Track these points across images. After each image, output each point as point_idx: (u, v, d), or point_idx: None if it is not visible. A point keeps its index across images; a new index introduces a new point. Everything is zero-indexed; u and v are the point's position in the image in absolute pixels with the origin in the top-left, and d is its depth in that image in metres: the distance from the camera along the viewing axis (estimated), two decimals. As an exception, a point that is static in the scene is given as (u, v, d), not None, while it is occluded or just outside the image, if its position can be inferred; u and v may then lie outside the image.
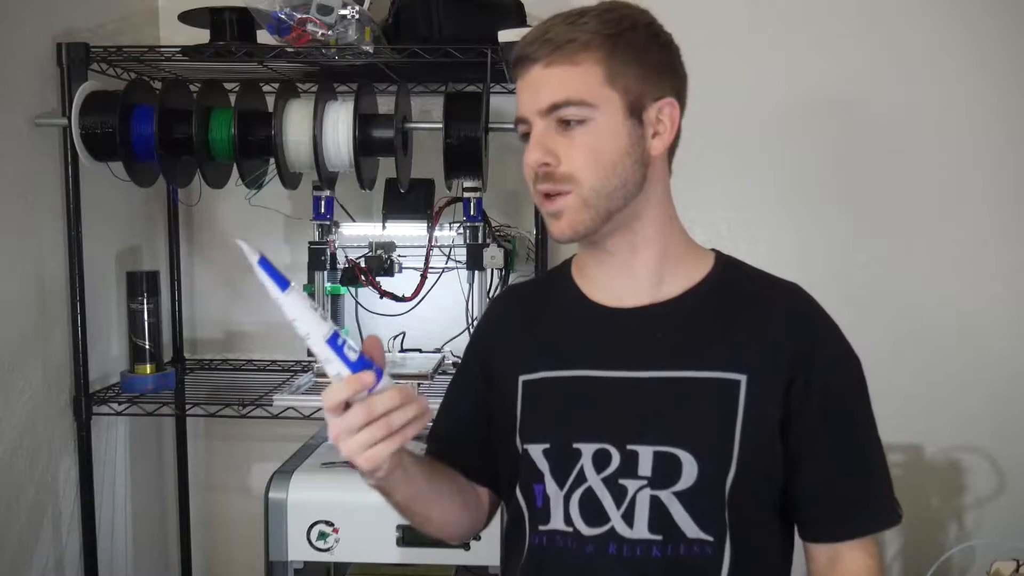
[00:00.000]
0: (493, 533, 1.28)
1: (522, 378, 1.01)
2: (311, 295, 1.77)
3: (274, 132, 1.56)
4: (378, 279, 1.76)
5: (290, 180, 1.64)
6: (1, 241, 1.51)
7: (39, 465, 1.61)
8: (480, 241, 1.73)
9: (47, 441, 1.62)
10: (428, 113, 1.90)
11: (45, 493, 1.63)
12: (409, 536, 1.51)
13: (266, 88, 1.75)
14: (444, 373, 1.70)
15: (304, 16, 1.52)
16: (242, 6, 1.59)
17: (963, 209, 1.87)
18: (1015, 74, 1.83)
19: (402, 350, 1.83)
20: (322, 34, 1.53)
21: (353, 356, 0.84)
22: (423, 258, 1.78)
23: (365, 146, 1.61)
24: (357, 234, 1.83)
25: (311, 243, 1.76)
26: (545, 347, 1.02)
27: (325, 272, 1.76)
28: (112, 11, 1.80)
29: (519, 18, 1.68)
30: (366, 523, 1.52)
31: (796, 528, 1.01)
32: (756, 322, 0.98)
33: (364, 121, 1.60)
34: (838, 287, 1.90)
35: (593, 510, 0.95)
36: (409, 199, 1.76)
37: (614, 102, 0.93)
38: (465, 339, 1.60)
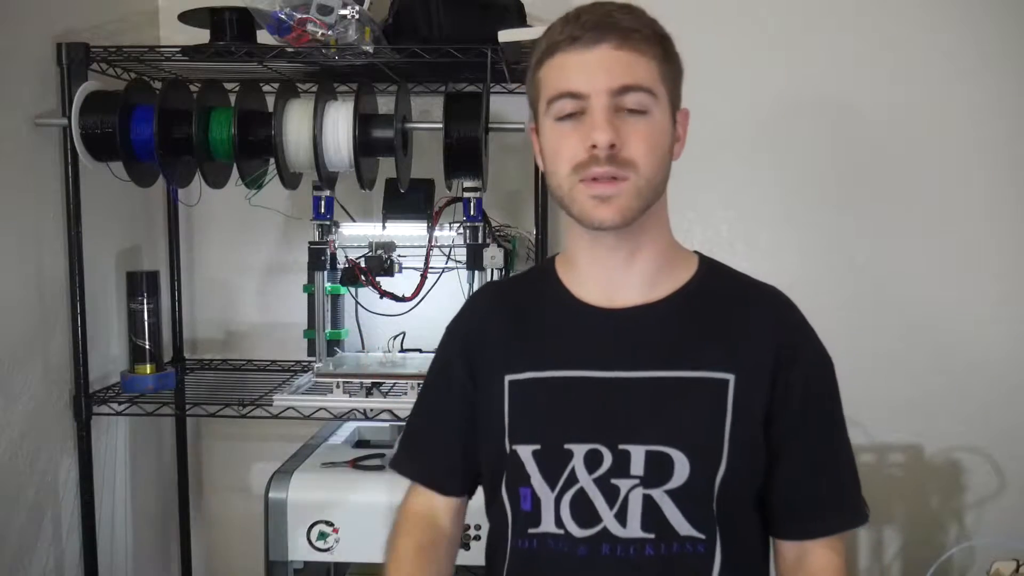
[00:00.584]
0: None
1: (509, 378, 1.00)
2: (311, 295, 1.78)
3: (274, 132, 1.56)
4: (378, 279, 1.75)
5: (290, 180, 1.64)
6: (1, 241, 1.51)
7: (39, 465, 1.61)
8: (480, 241, 1.73)
9: (47, 441, 1.62)
10: (428, 113, 1.91)
11: (45, 493, 1.63)
12: (409, 536, 1.51)
13: (266, 88, 1.75)
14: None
15: (304, 16, 1.52)
16: (242, 6, 1.59)
17: (964, 209, 1.87)
18: (1016, 74, 1.83)
19: (402, 350, 1.83)
20: (322, 34, 1.53)
21: None
22: (423, 258, 1.78)
23: (365, 146, 1.61)
24: (357, 234, 1.83)
25: (311, 243, 1.76)
26: (533, 347, 1.01)
27: (325, 272, 1.76)
28: (112, 11, 1.80)
29: (519, 18, 1.68)
30: (366, 523, 1.52)
31: (768, 524, 1.02)
32: (742, 323, 0.99)
33: (364, 121, 1.60)
34: (838, 287, 1.91)
35: (585, 511, 0.95)
36: (409, 199, 1.76)
37: (664, 99, 0.95)
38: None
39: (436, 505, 1.09)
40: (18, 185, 1.55)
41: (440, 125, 1.61)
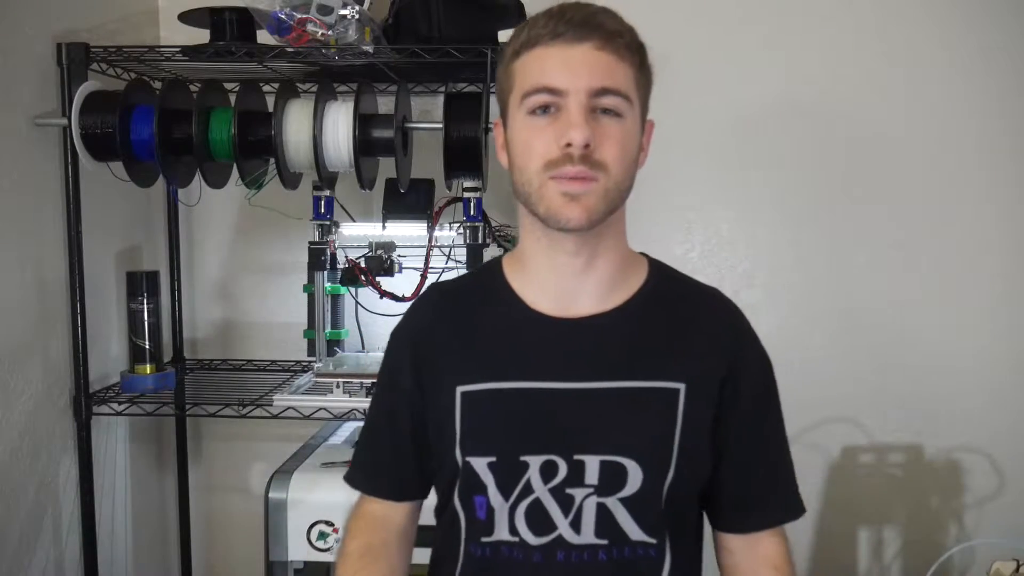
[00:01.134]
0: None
1: (460, 389, 0.98)
2: (311, 295, 1.78)
3: (274, 132, 1.56)
4: (378, 279, 1.75)
5: (290, 180, 1.64)
6: (1, 241, 1.51)
7: (39, 465, 1.61)
8: (480, 241, 1.73)
9: (47, 441, 1.62)
10: (428, 113, 1.91)
11: (45, 493, 1.63)
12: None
13: (266, 88, 1.75)
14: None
15: (304, 16, 1.52)
16: (242, 6, 1.59)
17: (964, 209, 1.86)
18: (1017, 74, 1.82)
19: (402, 350, 1.83)
20: (322, 34, 1.53)
21: None
22: (423, 258, 1.78)
23: (365, 146, 1.61)
24: (357, 234, 1.83)
25: (311, 243, 1.76)
26: (485, 357, 1.00)
27: (325, 272, 1.76)
28: (112, 11, 1.80)
29: (519, 18, 1.68)
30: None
31: (710, 519, 1.05)
32: (691, 331, 1.01)
33: (364, 121, 1.60)
34: (838, 287, 1.91)
35: (540, 519, 0.96)
36: (409, 199, 1.75)
37: (637, 107, 0.95)
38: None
39: (389, 506, 1.09)
40: (18, 185, 1.55)
41: (440, 125, 1.61)
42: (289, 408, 1.66)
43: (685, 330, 1.00)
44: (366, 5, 1.55)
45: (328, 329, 1.79)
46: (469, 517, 0.99)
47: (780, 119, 1.88)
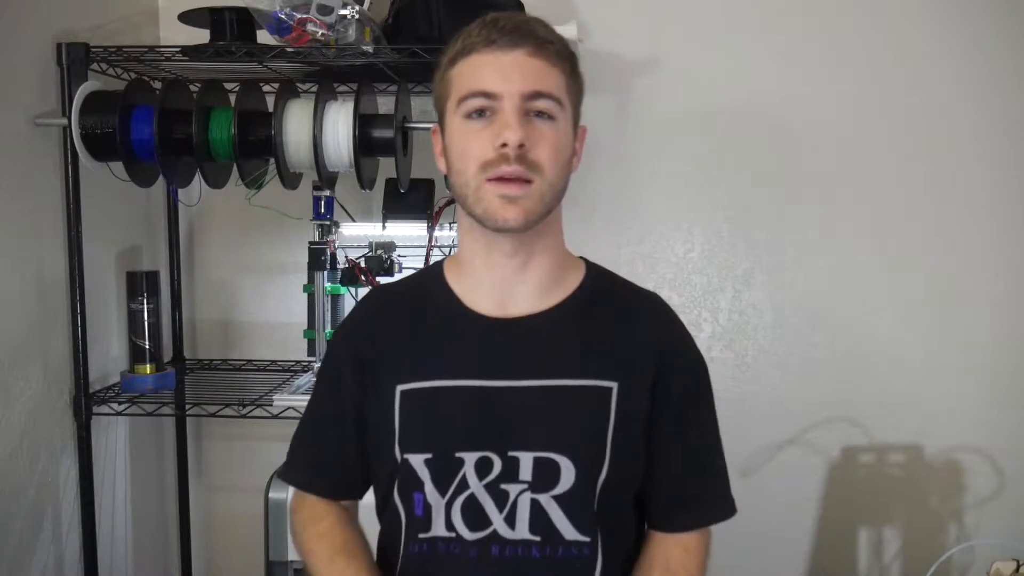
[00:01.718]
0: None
1: (400, 387, 1.01)
2: (311, 295, 1.78)
3: (274, 132, 1.56)
4: (378, 279, 1.75)
5: (290, 180, 1.64)
6: (1, 241, 1.51)
7: (39, 465, 1.61)
8: (480, 241, 1.72)
9: (47, 441, 1.62)
10: (428, 113, 1.90)
11: (45, 493, 1.63)
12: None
13: (266, 88, 1.75)
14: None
15: (304, 16, 1.52)
16: (242, 6, 1.58)
17: (964, 209, 1.86)
18: (1018, 74, 1.82)
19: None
20: (322, 34, 1.53)
21: None
22: (423, 258, 1.78)
23: (365, 146, 1.61)
24: (357, 234, 1.83)
25: (311, 243, 1.76)
26: (424, 356, 1.02)
27: (325, 272, 1.76)
28: (112, 11, 1.80)
29: (519, 18, 1.68)
30: (365, 523, 1.52)
31: (646, 518, 1.07)
32: (625, 331, 1.03)
33: (364, 121, 1.60)
34: (838, 287, 1.91)
35: (475, 515, 0.98)
36: (409, 199, 1.76)
37: (569, 111, 0.99)
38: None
39: (328, 502, 1.11)
40: (18, 185, 1.55)
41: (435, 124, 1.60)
42: (289, 408, 1.66)
43: (619, 330, 1.03)
44: (366, 5, 1.55)
45: (328, 329, 1.79)
46: (408, 514, 1.01)
47: (781, 119, 1.88)
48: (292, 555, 1.56)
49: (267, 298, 2.04)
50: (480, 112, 0.95)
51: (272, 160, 1.60)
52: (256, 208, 1.72)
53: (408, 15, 1.64)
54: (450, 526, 0.98)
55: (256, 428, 1.86)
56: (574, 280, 1.06)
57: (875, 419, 1.90)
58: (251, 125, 1.59)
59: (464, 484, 0.98)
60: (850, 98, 1.86)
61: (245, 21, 1.61)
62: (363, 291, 1.86)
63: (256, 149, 1.59)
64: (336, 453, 1.09)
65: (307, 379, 1.78)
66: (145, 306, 1.76)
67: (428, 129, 1.70)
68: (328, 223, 1.75)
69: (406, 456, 0.99)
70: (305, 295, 1.79)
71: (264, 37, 1.62)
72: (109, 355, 1.81)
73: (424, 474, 0.99)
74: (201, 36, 1.66)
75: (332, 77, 1.75)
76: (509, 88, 0.94)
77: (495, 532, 0.97)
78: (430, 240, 1.78)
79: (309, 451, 1.13)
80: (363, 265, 1.75)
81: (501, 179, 0.94)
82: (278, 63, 1.66)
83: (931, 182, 1.87)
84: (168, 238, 1.98)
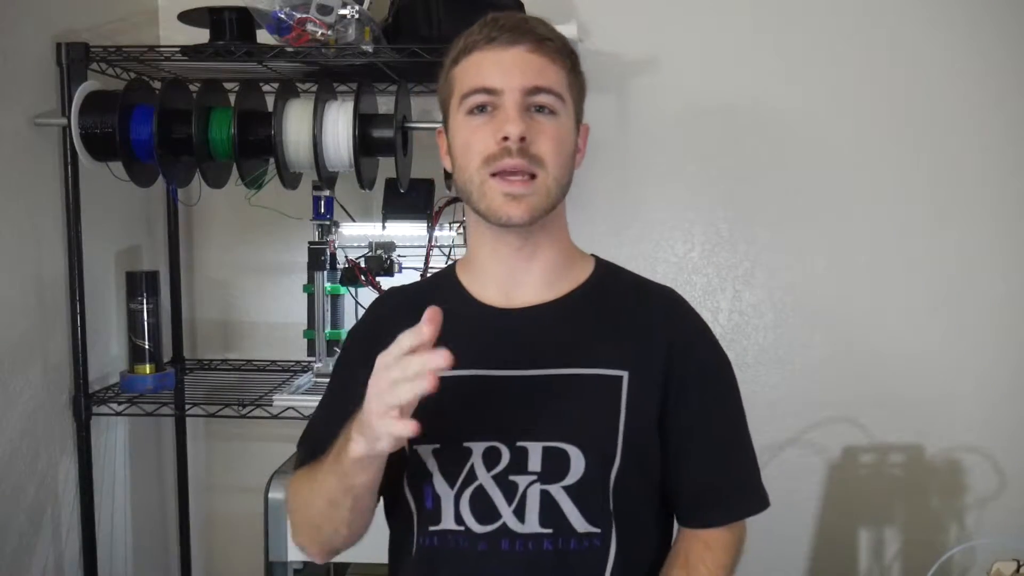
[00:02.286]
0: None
1: None
2: (311, 295, 1.77)
3: (274, 132, 1.56)
4: (378, 279, 1.75)
5: (290, 180, 1.64)
6: (1, 241, 1.50)
7: (39, 465, 1.61)
8: (480, 241, 1.72)
9: (47, 441, 1.62)
10: (428, 113, 1.90)
11: (45, 493, 1.63)
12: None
13: (266, 88, 1.75)
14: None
15: (304, 16, 1.52)
16: (242, 6, 1.59)
17: (964, 209, 1.86)
18: (1018, 74, 1.82)
19: (402, 350, 1.82)
20: (322, 34, 1.53)
21: None
22: (423, 258, 1.78)
23: (365, 146, 1.61)
24: (357, 234, 1.83)
25: (311, 243, 1.76)
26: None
27: (325, 272, 1.76)
28: (112, 11, 1.79)
29: (519, 18, 1.68)
30: (373, 527, 1.52)
31: (676, 518, 1.06)
32: (635, 321, 1.03)
33: (364, 121, 1.60)
34: (838, 287, 1.91)
35: (484, 507, 0.97)
36: (409, 199, 1.76)
37: (571, 107, 1.00)
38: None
39: None
40: (18, 185, 1.55)
41: (440, 125, 1.60)
42: (289, 408, 1.66)
43: (629, 321, 1.03)
44: (366, 5, 1.55)
45: (328, 329, 1.79)
46: (419, 506, 1.01)
47: (781, 119, 1.88)
48: (292, 555, 1.56)
49: (267, 298, 2.04)
50: (482, 108, 0.97)
51: (272, 160, 1.60)
52: (256, 208, 1.72)
53: (408, 15, 1.64)
54: (459, 519, 0.98)
55: (256, 428, 1.86)
56: (582, 273, 1.07)
57: (875, 419, 1.90)
58: (251, 125, 1.58)
59: (472, 475, 0.97)
60: (850, 98, 1.86)
61: (245, 21, 1.61)
62: (363, 291, 1.86)
63: (256, 149, 1.59)
64: None
65: (307, 379, 1.78)
66: (145, 306, 1.76)
67: (428, 129, 1.71)
68: (328, 223, 1.75)
69: (415, 447, 0.99)
70: (305, 295, 1.79)
71: (264, 37, 1.62)
72: (109, 355, 1.81)
73: (432, 465, 0.99)
74: (201, 36, 1.66)
75: (332, 77, 1.75)
76: (510, 83, 0.96)
77: (504, 525, 0.96)
78: (430, 240, 1.78)
79: (322, 447, 1.11)
80: (363, 265, 1.75)
81: (505, 176, 0.95)
82: (278, 63, 1.66)
83: (931, 182, 1.86)
84: (168, 238, 1.98)
